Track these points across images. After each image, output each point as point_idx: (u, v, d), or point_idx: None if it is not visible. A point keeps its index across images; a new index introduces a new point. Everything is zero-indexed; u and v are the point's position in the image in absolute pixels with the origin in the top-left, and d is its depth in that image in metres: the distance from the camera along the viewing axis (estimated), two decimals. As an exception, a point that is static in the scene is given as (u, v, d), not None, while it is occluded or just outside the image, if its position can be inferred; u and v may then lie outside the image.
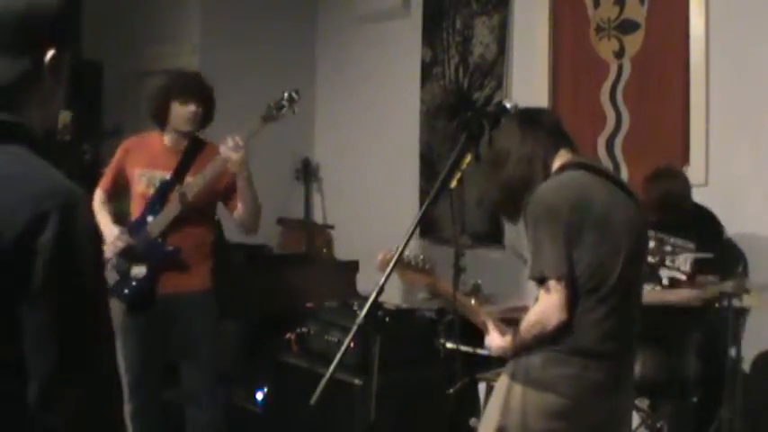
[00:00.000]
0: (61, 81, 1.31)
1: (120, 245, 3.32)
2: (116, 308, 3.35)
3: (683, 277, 3.54)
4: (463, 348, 3.27)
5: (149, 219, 3.36)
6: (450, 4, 4.94)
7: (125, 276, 3.33)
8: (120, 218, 3.50)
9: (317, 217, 5.62)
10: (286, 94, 3.29)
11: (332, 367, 2.04)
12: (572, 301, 2.21)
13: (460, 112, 4.87)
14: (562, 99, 4.38)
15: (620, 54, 4.14)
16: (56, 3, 1.28)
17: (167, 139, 3.43)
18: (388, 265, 2.20)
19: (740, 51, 3.71)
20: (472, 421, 3.26)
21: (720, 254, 3.44)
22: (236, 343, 4.27)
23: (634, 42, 4.09)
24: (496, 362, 3.00)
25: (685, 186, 3.56)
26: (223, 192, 3.39)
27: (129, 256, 3.33)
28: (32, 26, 1.24)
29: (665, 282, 3.56)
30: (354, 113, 5.54)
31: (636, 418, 3.11)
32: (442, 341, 3.59)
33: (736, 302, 3.10)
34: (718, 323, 3.35)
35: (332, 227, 5.51)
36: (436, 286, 2.54)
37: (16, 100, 1.24)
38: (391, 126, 5.33)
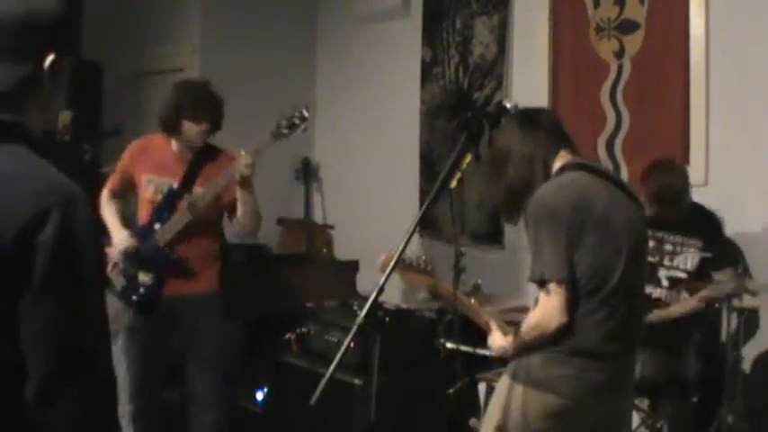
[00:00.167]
0: (61, 84, 1.32)
1: (128, 249, 3.32)
2: (122, 310, 3.36)
3: (684, 275, 3.54)
4: (463, 348, 3.27)
5: (157, 226, 3.36)
6: (450, 4, 4.94)
7: (132, 282, 3.34)
8: (124, 220, 3.51)
9: (317, 217, 5.62)
10: (297, 112, 3.29)
11: (332, 367, 2.04)
12: (572, 303, 2.21)
13: (460, 112, 4.87)
14: (562, 99, 4.38)
15: (620, 54, 4.14)
16: (56, 8, 1.29)
17: (175, 145, 3.43)
18: (388, 265, 2.20)
19: (740, 51, 3.71)
20: (472, 421, 3.27)
21: (720, 254, 3.44)
22: (236, 343, 4.27)
23: (634, 42, 4.09)
24: (496, 362, 3.00)
25: (683, 180, 3.56)
26: (227, 204, 3.40)
27: (136, 261, 3.34)
28: (32, 31, 1.25)
29: (664, 282, 3.57)
30: (354, 113, 5.54)
31: (636, 418, 3.11)
32: (442, 341, 3.60)
33: (736, 302, 3.10)
34: (718, 323, 3.36)
35: (332, 227, 5.51)
36: (437, 287, 2.54)
37: (17, 104, 1.25)
38: (391, 126, 5.33)
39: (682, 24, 3.87)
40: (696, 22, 3.82)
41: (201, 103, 3.33)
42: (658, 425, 3.27)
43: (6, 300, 1.13)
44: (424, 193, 4.97)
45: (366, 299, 2.13)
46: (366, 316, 2.08)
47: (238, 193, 3.30)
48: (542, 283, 2.23)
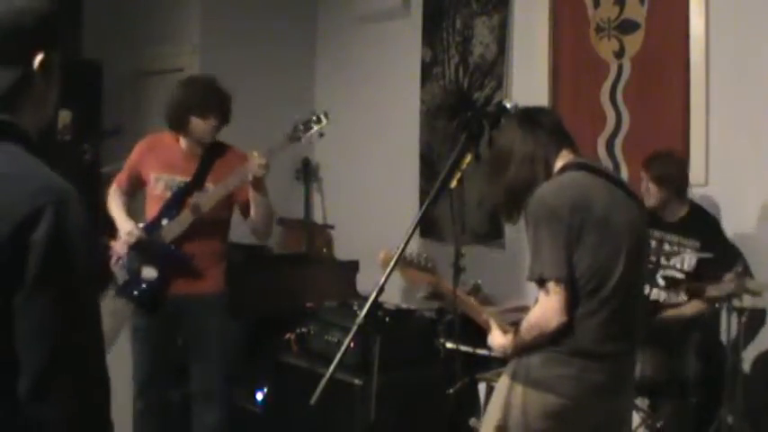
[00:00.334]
0: (53, 82, 1.32)
1: (133, 240, 3.31)
2: (127, 308, 3.36)
3: (681, 276, 3.54)
4: (463, 348, 3.27)
5: (164, 222, 3.35)
6: (450, 4, 4.94)
7: (135, 277, 3.34)
8: (132, 217, 3.50)
9: (317, 217, 5.62)
10: (314, 116, 3.28)
11: (332, 367, 2.04)
12: (572, 303, 2.21)
13: (460, 112, 4.86)
14: (562, 99, 4.37)
15: (620, 54, 4.14)
16: (43, 6, 1.28)
17: (184, 142, 3.42)
18: (389, 263, 2.20)
19: (740, 51, 3.71)
20: (472, 421, 3.27)
21: (723, 254, 3.44)
22: (236, 343, 4.27)
23: (634, 42, 4.08)
24: (496, 362, 3.00)
25: (682, 169, 3.60)
26: (242, 203, 3.39)
27: (140, 255, 3.33)
28: (21, 34, 1.26)
29: (661, 283, 3.57)
30: (354, 113, 5.54)
31: (636, 418, 3.11)
32: (442, 341, 3.59)
33: (736, 303, 3.10)
34: (718, 323, 3.36)
35: (332, 227, 5.51)
36: (438, 285, 2.54)
37: (10, 104, 1.25)
38: (391, 126, 5.33)
39: (682, 24, 3.86)
40: (696, 22, 3.82)
41: (209, 98, 3.33)
42: (658, 425, 3.27)
43: (1, 297, 1.13)
44: (424, 193, 4.97)
45: (366, 299, 2.13)
46: (366, 316, 2.08)
47: (251, 194, 3.29)
48: (541, 283, 2.23)
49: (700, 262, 3.51)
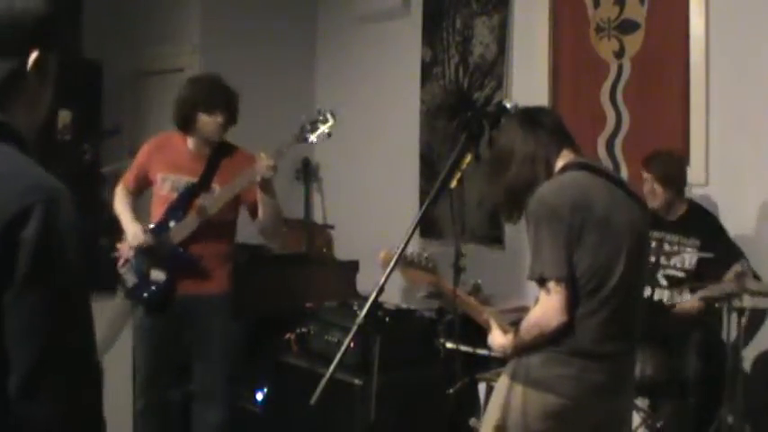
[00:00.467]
0: (47, 82, 1.32)
1: (141, 244, 3.31)
2: (130, 307, 3.36)
3: (682, 275, 3.54)
4: (463, 348, 3.27)
5: (171, 224, 3.35)
6: (450, 4, 4.94)
7: (144, 279, 3.34)
8: (138, 217, 3.49)
9: (317, 217, 5.62)
10: (321, 115, 3.27)
11: (332, 367, 2.04)
12: (572, 303, 2.21)
13: (460, 112, 4.86)
14: (562, 99, 4.38)
15: (620, 54, 4.14)
16: (40, 5, 1.29)
17: (191, 142, 3.42)
18: (389, 263, 2.19)
19: (740, 51, 3.71)
20: (472, 421, 3.26)
21: (726, 253, 3.44)
22: (237, 343, 4.27)
23: (634, 42, 4.08)
24: (496, 362, 3.00)
25: (682, 168, 3.62)
26: (250, 204, 3.39)
27: (148, 258, 3.33)
28: (15, 29, 1.26)
29: (663, 282, 3.57)
30: (354, 113, 5.53)
31: (636, 418, 3.11)
32: (442, 341, 3.59)
33: (736, 302, 3.10)
34: (719, 323, 3.36)
35: (332, 227, 5.51)
36: (438, 284, 2.54)
37: (2, 103, 1.25)
38: (391, 126, 5.33)
39: (682, 24, 3.86)
40: (696, 22, 3.82)
41: (216, 94, 3.33)
42: (658, 425, 3.27)
43: None
44: (424, 193, 4.97)
45: (366, 299, 2.13)
46: (366, 316, 2.08)
47: (259, 196, 3.28)
48: (542, 282, 2.23)
49: (700, 261, 3.51)
